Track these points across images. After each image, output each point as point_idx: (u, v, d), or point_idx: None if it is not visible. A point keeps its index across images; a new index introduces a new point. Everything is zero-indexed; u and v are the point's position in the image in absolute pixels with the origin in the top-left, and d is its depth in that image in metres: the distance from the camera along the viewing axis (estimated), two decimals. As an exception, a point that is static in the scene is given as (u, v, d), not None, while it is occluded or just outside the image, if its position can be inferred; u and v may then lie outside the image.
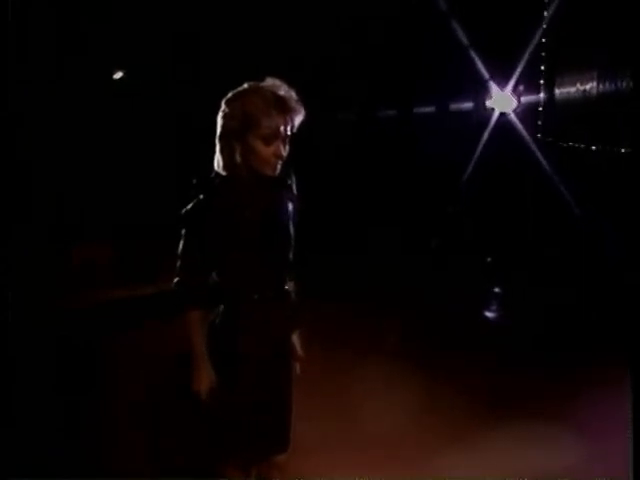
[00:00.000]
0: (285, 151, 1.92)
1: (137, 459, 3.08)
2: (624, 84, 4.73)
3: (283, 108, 1.87)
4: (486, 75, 5.90)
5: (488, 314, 5.15)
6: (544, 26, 5.55)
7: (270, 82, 1.92)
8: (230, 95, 1.94)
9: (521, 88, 5.83)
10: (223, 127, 1.93)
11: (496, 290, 5.46)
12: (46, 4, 5.70)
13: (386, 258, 6.16)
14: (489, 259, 5.88)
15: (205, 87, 6.34)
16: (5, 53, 2.25)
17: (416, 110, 6.68)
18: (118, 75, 6.94)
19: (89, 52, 6.21)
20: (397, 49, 6.46)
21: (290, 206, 2.07)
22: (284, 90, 1.90)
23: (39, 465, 2.83)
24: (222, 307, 2.06)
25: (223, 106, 1.93)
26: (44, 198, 5.80)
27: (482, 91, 6.04)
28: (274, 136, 1.88)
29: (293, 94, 1.91)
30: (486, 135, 5.96)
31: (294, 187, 2.10)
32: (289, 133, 1.92)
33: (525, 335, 4.64)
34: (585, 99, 5.22)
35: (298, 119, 1.93)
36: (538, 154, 5.69)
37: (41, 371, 3.78)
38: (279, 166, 1.94)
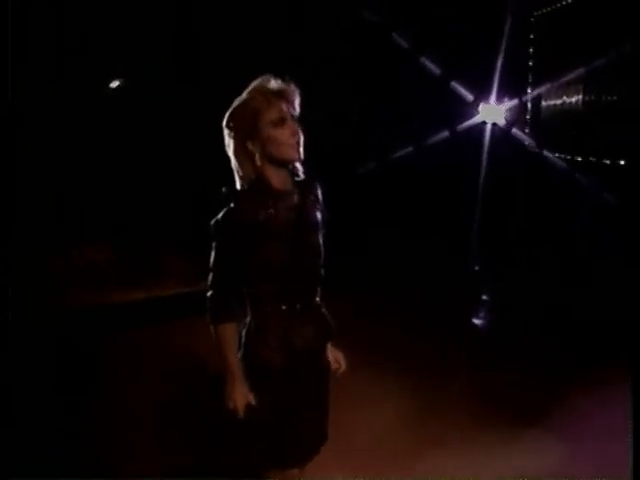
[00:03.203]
0: (299, 131, 1.96)
1: (137, 459, 3.08)
2: (608, 97, 4.79)
3: (278, 93, 1.94)
4: (470, 95, 5.85)
5: (476, 321, 5.14)
6: (531, 36, 5.58)
7: (257, 79, 1.99)
8: (229, 111, 1.98)
9: (506, 99, 5.79)
10: (235, 133, 1.95)
11: (484, 298, 5.45)
12: (46, 4, 5.70)
13: (386, 258, 6.15)
14: (477, 267, 5.83)
15: (205, 88, 6.36)
16: (5, 53, 2.25)
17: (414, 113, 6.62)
18: (115, 84, 7.02)
19: (89, 52, 6.21)
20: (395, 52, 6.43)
21: (319, 216, 2.06)
22: (272, 79, 1.97)
23: (39, 465, 2.84)
24: (249, 318, 2.03)
25: (225, 122, 1.97)
26: (44, 198, 5.81)
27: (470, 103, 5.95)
28: (282, 119, 1.93)
29: (280, 80, 1.97)
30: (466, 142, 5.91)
31: (320, 197, 2.09)
32: (295, 114, 1.97)
33: (525, 335, 4.63)
34: (570, 111, 5.28)
35: (296, 98, 1.98)
36: (531, 159, 5.69)
37: (41, 371, 3.79)
38: (301, 149, 1.96)
